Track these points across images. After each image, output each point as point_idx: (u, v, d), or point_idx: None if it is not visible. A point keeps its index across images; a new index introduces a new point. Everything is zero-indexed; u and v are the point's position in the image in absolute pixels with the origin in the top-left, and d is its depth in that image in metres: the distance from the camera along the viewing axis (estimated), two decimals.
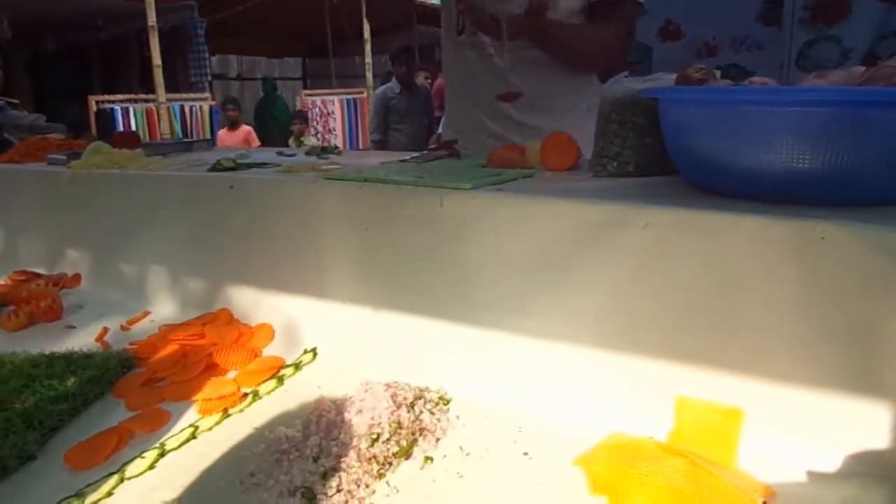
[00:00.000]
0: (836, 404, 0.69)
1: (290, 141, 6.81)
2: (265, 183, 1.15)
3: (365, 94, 8.91)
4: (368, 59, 9.28)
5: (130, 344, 1.12)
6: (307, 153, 1.55)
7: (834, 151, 0.65)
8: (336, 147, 1.63)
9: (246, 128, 6.80)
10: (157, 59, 6.66)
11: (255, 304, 1.18)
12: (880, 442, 0.67)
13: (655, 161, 0.96)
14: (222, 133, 6.73)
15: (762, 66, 3.20)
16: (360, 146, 8.64)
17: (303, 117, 7.30)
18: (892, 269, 0.63)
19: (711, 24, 3.21)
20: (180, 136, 7.04)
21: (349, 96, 8.80)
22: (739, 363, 0.74)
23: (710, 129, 0.74)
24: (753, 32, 3.12)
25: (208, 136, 7.20)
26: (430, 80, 5.64)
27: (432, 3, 7.72)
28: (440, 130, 4.84)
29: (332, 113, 8.65)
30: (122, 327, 1.23)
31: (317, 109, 8.62)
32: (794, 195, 0.71)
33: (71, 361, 1.01)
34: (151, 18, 6.52)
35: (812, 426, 0.70)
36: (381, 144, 5.20)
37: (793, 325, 0.70)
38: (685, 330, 0.76)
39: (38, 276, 1.50)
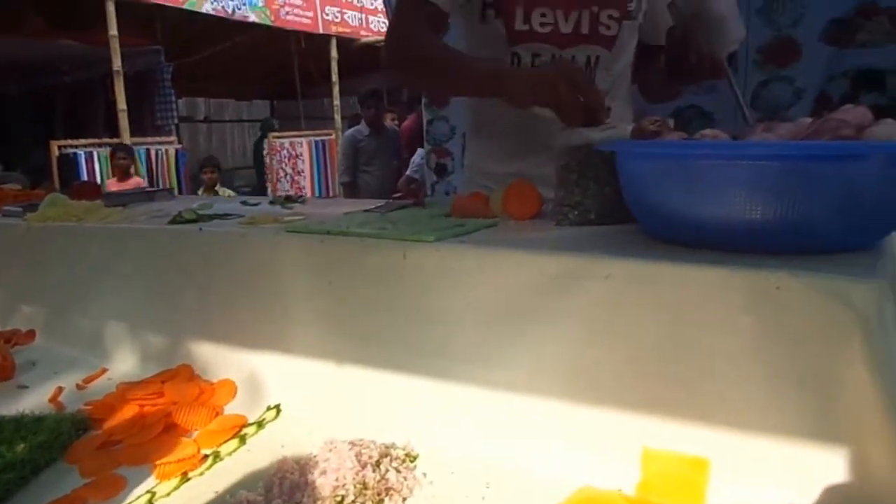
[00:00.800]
0: (800, 452, 0.69)
1: (200, 191, 6.13)
2: (226, 236, 1.14)
3: (333, 136, 8.95)
4: (337, 102, 9.36)
5: (86, 404, 1.08)
6: (271, 202, 1.55)
7: (784, 203, 0.66)
8: (301, 196, 1.62)
9: (136, 179, 6.13)
10: (122, 104, 6.64)
11: (216, 358, 1.15)
12: (844, 488, 0.67)
13: (616, 209, 0.97)
14: (110, 183, 5.98)
15: (719, 106, 3.30)
16: (329, 187, 8.65)
17: (214, 164, 6.48)
18: (846, 317, 0.64)
19: None
20: (145, 179, 6.98)
21: (318, 138, 8.84)
22: (704, 413, 0.74)
23: (665, 183, 0.75)
24: None
25: (174, 179, 7.16)
26: (397, 122, 5.69)
27: None
28: (409, 171, 4.88)
29: (301, 155, 8.67)
30: (78, 386, 1.19)
31: (285, 151, 8.63)
32: (750, 245, 0.72)
33: (21, 425, 0.97)
34: (116, 64, 6.52)
35: (778, 474, 0.70)
36: (350, 186, 5.22)
37: (755, 373, 0.70)
38: (650, 380, 0.77)
39: None
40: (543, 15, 1.30)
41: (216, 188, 6.18)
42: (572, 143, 1.01)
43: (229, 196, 5.84)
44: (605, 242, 0.86)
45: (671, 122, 0.88)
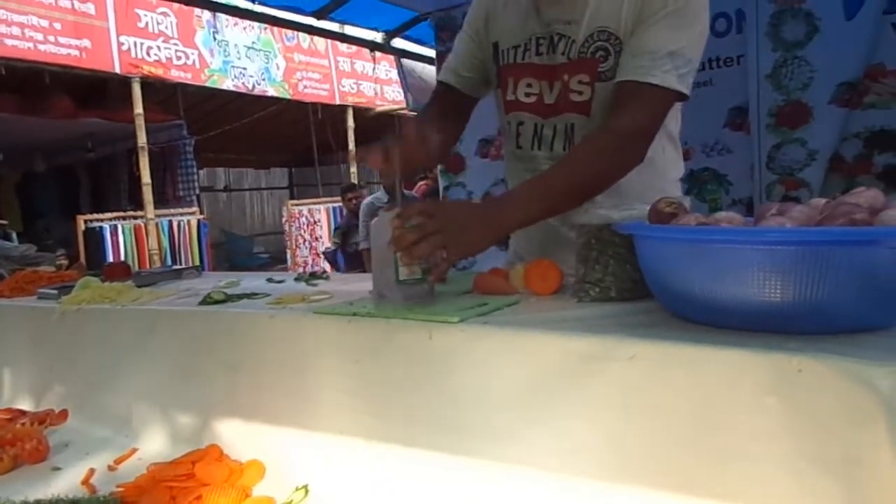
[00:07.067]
0: None
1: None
2: (255, 317, 1.17)
3: None
4: (353, 168, 9.56)
5: (118, 486, 1.09)
6: (296, 279, 1.58)
7: (801, 285, 0.68)
8: (324, 272, 1.66)
9: None
10: (146, 178, 6.83)
11: (245, 438, 1.17)
12: None
13: (636, 286, 0.99)
14: None
15: (733, 168, 3.35)
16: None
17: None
18: (870, 399, 0.65)
19: (682, 130, 3.36)
20: (168, 250, 7.12)
21: (335, 204, 9.00)
22: (733, 493, 0.74)
23: (684, 265, 0.77)
24: (723, 138, 3.28)
25: (196, 250, 7.29)
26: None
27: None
28: None
29: (319, 221, 8.82)
30: (110, 467, 1.20)
31: (304, 218, 8.79)
32: (771, 325, 0.74)
33: None
34: (142, 140, 6.73)
35: None
36: (369, 252, 5.26)
37: (783, 454, 0.70)
38: (676, 460, 0.77)
39: (24, 413, 1.48)
40: (529, 86, 1.36)
41: None
42: (593, 222, 1.04)
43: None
44: (628, 322, 0.88)
45: (687, 203, 0.91)
